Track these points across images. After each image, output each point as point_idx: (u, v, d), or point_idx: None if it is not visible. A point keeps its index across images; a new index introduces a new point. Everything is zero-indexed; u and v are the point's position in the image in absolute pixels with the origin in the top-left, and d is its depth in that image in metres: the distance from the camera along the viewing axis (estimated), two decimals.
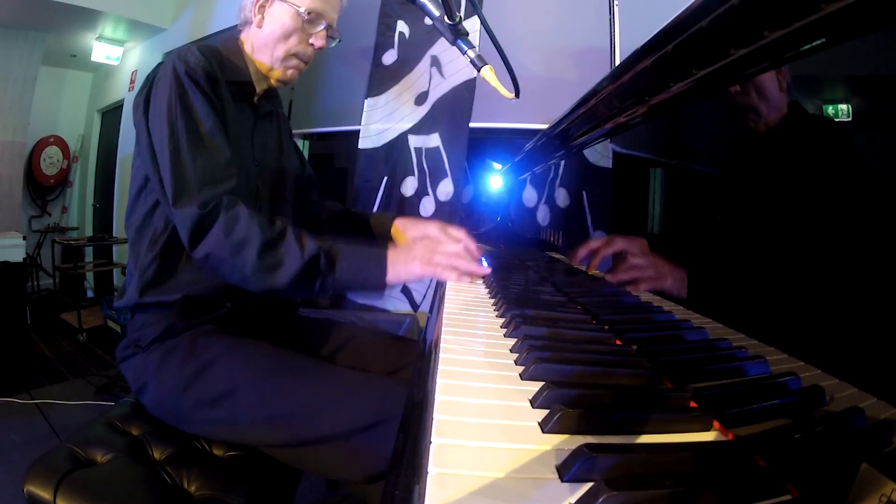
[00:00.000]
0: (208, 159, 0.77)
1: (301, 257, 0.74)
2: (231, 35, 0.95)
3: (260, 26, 0.91)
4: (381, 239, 1.07)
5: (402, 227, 1.05)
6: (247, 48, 0.93)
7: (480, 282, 0.81)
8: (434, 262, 0.76)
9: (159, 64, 0.82)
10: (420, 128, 1.90)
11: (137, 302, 0.81)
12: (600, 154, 0.87)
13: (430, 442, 0.30)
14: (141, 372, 0.79)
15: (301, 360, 0.77)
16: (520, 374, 0.42)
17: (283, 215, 1.00)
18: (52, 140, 4.28)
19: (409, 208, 1.88)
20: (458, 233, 0.91)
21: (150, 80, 0.81)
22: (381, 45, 2.00)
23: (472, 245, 0.83)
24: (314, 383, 0.72)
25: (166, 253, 0.82)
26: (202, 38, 2.97)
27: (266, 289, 0.75)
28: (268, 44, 0.91)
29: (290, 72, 0.94)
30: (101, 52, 3.70)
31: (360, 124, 2.03)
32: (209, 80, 0.81)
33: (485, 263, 0.80)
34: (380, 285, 0.76)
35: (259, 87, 0.94)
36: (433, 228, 0.97)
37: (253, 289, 0.75)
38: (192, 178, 0.76)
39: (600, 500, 0.24)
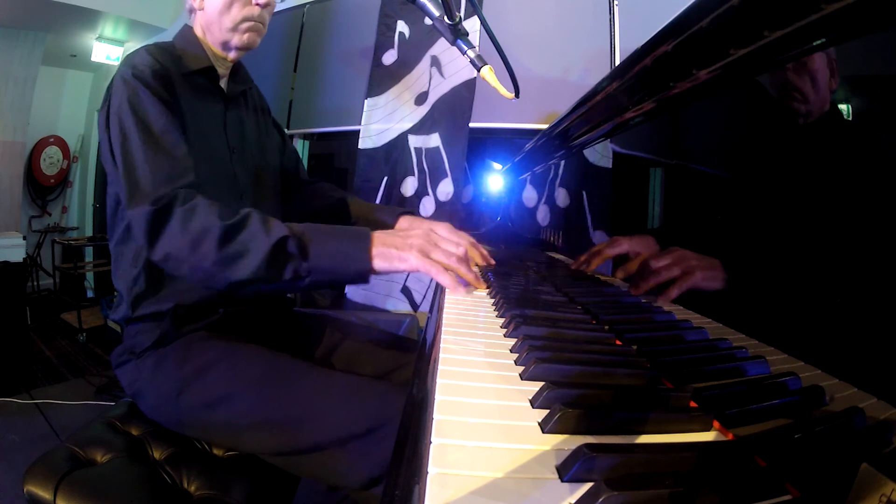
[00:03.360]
0: (163, 158, 0.74)
1: (267, 241, 0.66)
2: (184, 27, 0.94)
3: (202, 7, 0.90)
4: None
5: (408, 227, 1.00)
6: (199, 34, 0.92)
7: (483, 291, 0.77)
8: (433, 258, 0.67)
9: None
10: (420, 128, 1.90)
11: (131, 316, 0.81)
12: (600, 154, 0.87)
13: (430, 442, 0.30)
14: (135, 378, 0.79)
15: (295, 364, 0.76)
16: (520, 374, 0.42)
17: (267, 202, 0.98)
18: (52, 140, 4.27)
19: (409, 208, 1.88)
20: (467, 238, 0.85)
21: (108, 94, 0.80)
22: (381, 45, 2.01)
23: (478, 252, 0.77)
24: (308, 390, 0.71)
25: (151, 265, 0.80)
26: None
27: (232, 283, 0.67)
28: (213, 20, 0.90)
29: (245, 36, 0.91)
30: (101, 52, 3.70)
31: (360, 124, 2.03)
32: (158, 78, 0.79)
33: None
34: (364, 270, 0.67)
35: (222, 69, 0.93)
36: (442, 229, 0.94)
37: (219, 285, 0.69)
38: (146, 178, 0.72)
39: (600, 500, 0.24)
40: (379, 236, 0.68)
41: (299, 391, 0.71)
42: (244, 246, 0.67)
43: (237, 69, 0.98)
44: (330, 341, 0.95)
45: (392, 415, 0.64)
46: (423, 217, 1.08)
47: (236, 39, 0.90)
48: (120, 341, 0.84)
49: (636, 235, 0.71)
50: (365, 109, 2.02)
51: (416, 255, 0.67)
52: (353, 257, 0.67)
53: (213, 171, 0.85)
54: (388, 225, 1.03)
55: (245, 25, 0.90)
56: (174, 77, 0.83)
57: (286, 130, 2.33)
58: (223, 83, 0.95)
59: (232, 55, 0.93)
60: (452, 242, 0.71)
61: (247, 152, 0.96)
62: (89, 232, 4.41)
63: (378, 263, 0.67)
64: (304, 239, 0.68)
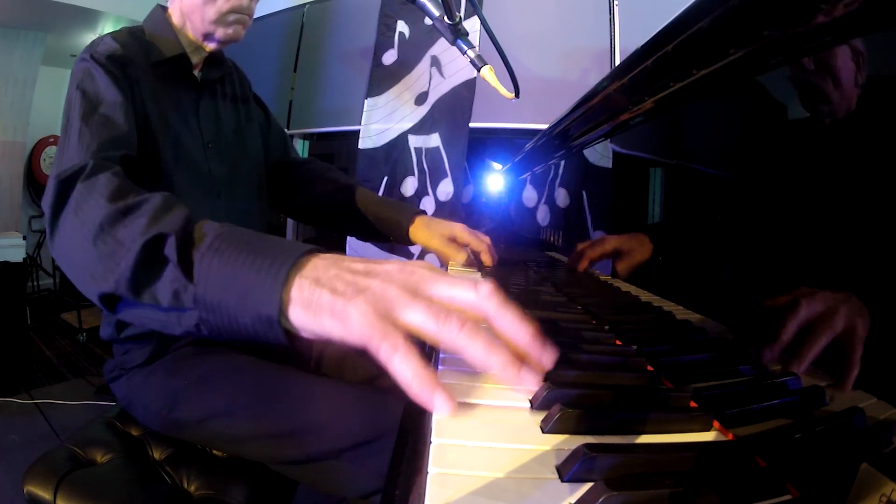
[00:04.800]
0: (97, 130, 0.64)
1: (141, 235, 0.44)
2: (156, 7, 0.86)
3: None
4: (396, 244, 0.95)
5: (426, 227, 0.93)
6: (175, 20, 0.84)
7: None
8: (392, 322, 0.33)
9: None
10: (420, 128, 1.90)
11: (117, 338, 0.80)
12: (600, 154, 0.87)
13: (430, 442, 0.30)
14: (126, 392, 0.79)
15: (285, 374, 0.73)
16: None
17: (249, 200, 0.92)
18: (52, 140, 4.27)
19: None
20: (484, 241, 0.79)
21: None
22: (381, 45, 2.00)
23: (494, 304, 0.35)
24: (300, 401, 0.69)
25: None
26: None
27: (102, 295, 0.47)
28: (195, 8, 0.80)
29: (231, 29, 0.82)
30: None
31: (360, 124, 2.03)
32: (118, 64, 0.72)
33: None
34: (267, 315, 0.37)
35: (196, 57, 0.85)
36: (459, 230, 0.89)
37: (92, 297, 0.48)
38: (71, 151, 0.61)
39: (600, 500, 0.24)
40: (314, 264, 0.38)
41: (291, 403, 0.69)
42: (119, 242, 0.46)
43: (214, 54, 0.89)
44: (320, 344, 0.91)
45: (387, 426, 0.62)
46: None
47: (220, 32, 0.82)
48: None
49: (627, 234, 0.71)
50: (365, 109, 2.02)
51: (362, 314, 0.33)
52: (255, 296, 0.38)
53: (185, 170, 0.80)
54: (400, 225, 0.96)
55: (232, 17, 0.81)
56: (139, 66, 0.76)
57: (286, 130, 2.32)
58: (197, 71, 0.87)
59: (212, 46, 0.85)
60: (456, 288, 0.35)
61: (223, 145, 0.88)
62: None
63: (297, 314, 0.37)
64: (196, 244, 0.42)
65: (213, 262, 0.41)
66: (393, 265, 0.37)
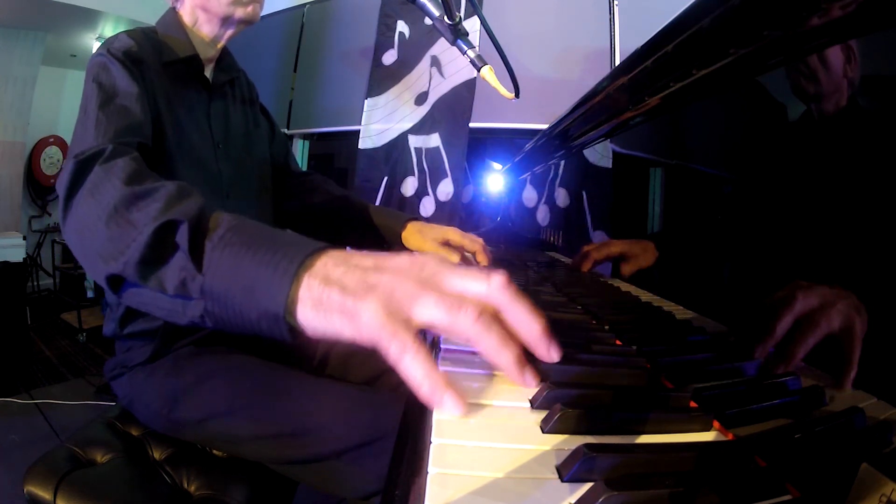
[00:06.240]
0: (114, 117, 0.65)
1: (154, 219, 0.44)
2: (168, 11, 0.87)
3: None
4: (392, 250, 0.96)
5: (418, 233, 0.95)
6: (187, 20, 0.85)
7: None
8: (403, 320, 0.33)
9: None
10: (420, 128, 1.90)
11: (120, 334, 0.80)
12: (600, 154, 0.87)
13: (430, 442, 0.30)
14: (127, 391, 0.79)
15: (287, 375, 0.73)
16: None
17: (257, 200, 0.93)
18: (52, 140, 4.28)
19: (409, 208, 1.88)
20: (478, 243, 0.82)
21: None
22: (381, 45, 2.00)
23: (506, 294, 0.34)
24: (303, 402, 0.69)
25: None
26: None
27: (109, 277, 0.46)
28: None
29: (250, 7, 0.83)
30: None
31: (360, 124, 2.02)
32: (133, 60, 0.73)
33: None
34: (273, 312, 0.37)
35: (207, 54, 0.86)
36: (452, 233, 0.91)
37: (99, 278, 0.48)
38: (87, 135, 0.62)
39: (600, 500, 0.24)
40: (324, 262, 0.37)
41: (292, 403, 0.69)
42: (132, 224, 0.46)
43: (223, 56, 0.91)
44: (325, 344, 0.92)
45: (388, 427, 0.62)
46: (426, 219, 1.01)
47: (240, 12, 0.83)
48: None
49: (632, 240, 0.71)
50: (365, 109, 2.02)
51: (374, 311, 0.33)
52: (262, 292, 0.37)
53: (194, 169, 0.81)
54: (394, 231, 0.98)
55: None
56: (152, 65, 0.77)
57: (286, 131, 2.33)
58: (208, 72, 0.88)
59: (230, 32, 0.86)
60: (468, 279, 0.35)
61: (232, 147, 0.90)
62: None
63: (306, 314, 0.36)
64: (208, 234, 0.42)
65: (223, 254, 0.40)
66: (403, 259, 0.37)
